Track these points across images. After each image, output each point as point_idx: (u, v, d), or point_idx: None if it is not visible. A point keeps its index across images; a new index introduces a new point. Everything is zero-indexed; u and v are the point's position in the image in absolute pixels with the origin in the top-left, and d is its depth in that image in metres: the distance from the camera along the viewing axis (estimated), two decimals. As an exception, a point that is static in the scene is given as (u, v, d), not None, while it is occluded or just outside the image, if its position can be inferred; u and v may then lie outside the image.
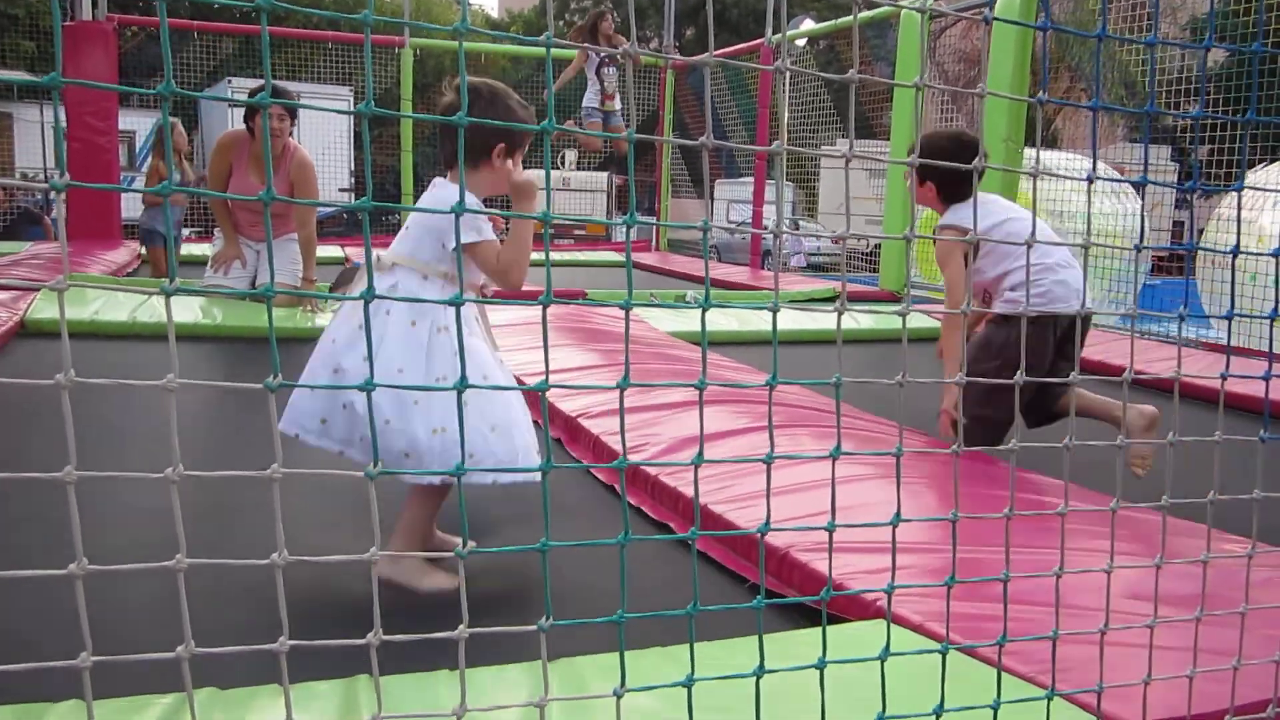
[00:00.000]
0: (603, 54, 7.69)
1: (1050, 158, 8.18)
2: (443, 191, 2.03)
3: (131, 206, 11.26)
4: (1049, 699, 1.24)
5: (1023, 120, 6.10)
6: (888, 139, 7.26)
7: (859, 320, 5.42)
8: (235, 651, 0.99)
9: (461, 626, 1.03)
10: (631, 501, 2.51)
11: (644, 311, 5.65)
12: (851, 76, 1.15)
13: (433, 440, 1.89)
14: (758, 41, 9.49)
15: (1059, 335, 2.88)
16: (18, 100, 15.91)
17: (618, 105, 8.05)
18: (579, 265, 9.08)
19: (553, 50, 1.01)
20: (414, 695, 1.39)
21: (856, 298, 6.84)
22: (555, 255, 9.48)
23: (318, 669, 1.42)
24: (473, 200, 1.98)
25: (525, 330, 4.21)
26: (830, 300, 6.70)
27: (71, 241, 8.23)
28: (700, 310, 1.09)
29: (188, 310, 4.69)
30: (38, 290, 4.77)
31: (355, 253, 8.48)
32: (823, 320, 5.41)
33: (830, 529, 1.13)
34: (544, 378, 1.04)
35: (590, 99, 8.11)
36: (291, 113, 5.24)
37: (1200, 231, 7.81)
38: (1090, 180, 1.17)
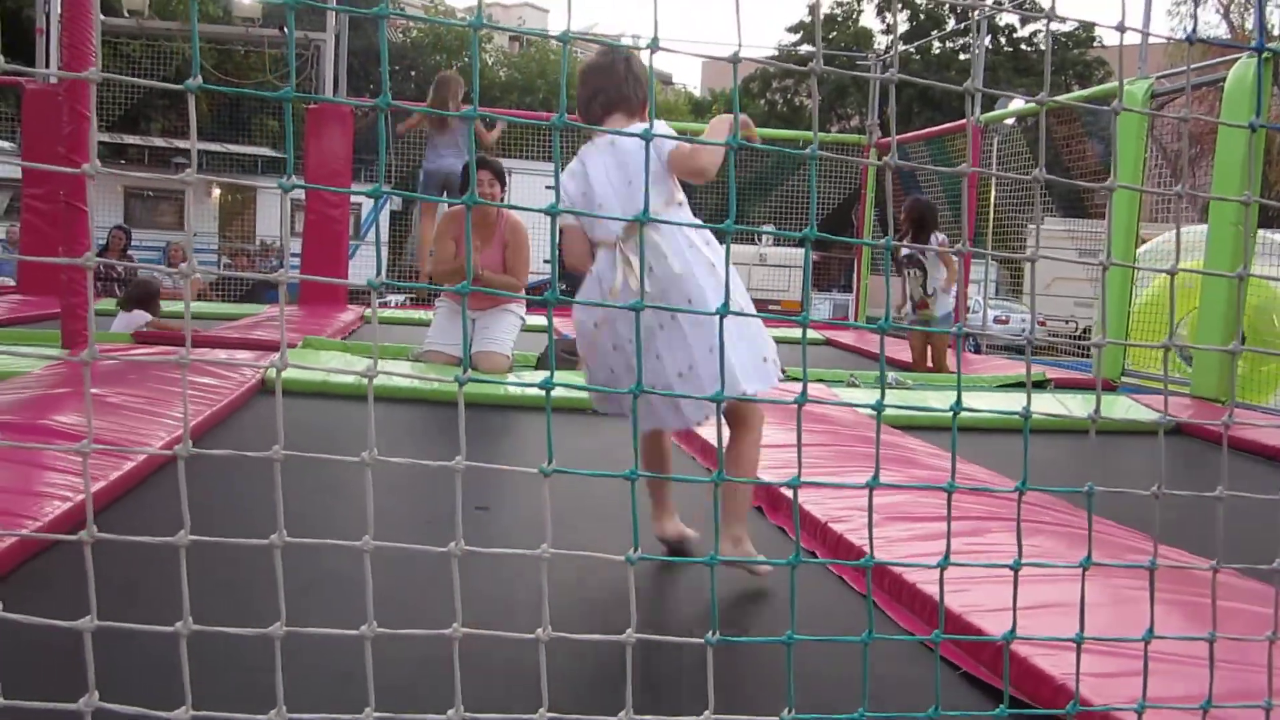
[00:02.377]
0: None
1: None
2: (624, 140, 2.33)
3: (356, 273, 12.07)
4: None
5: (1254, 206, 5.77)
6: (1101, 217, 6.99)
7: (1069, 408, 5.20)
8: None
9: (708, 712, 1.07)
10: (850, 583, 2.50)
11: (843, 392, 5.62)
12: (962, 169, 1.15)
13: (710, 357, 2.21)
14: (962, 121, 9.37)
15: None
16: (260, 174, 17.43)
17: (939, 309, 6.88)
18: (779, 341, 9.08)
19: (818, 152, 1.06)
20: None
21: (1066, 385, 6.56)
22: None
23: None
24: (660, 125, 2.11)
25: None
26: (1041, 385, 6.45)
27: (305, 304, 8.91)
28: (911, 393, 1.11)
29: (409, 376, 4.98)
30: (263, 367, 5.18)
31: (561, 324, 8.78)
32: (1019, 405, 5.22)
33: (1079, 641, 1.11)
34: (796, 473, 1.08)
35: None
36: (501, 180, 5.52)
37: None
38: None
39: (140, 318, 6.81)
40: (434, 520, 2.72)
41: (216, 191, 18.72)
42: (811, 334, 8.39)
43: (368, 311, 9.00)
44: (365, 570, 1.01)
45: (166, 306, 8.67)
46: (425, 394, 4.86)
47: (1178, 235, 1.17)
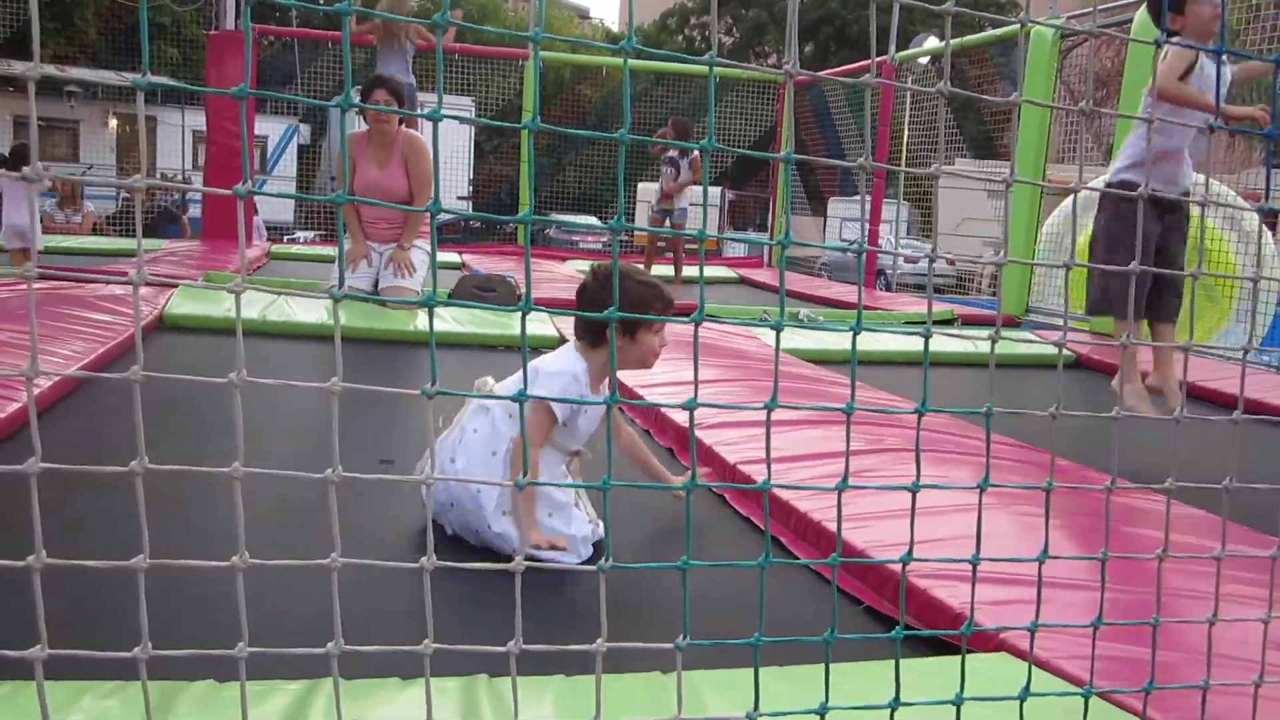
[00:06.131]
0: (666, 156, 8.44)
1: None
2: (564, 357, 2.23)
3: (261, 209, 11.71)
4: (1195, 751, 1.20)
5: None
6: (1008, 159, 7.08)
7: (977, 345, 5.30)
8: (380, 651, 1.02)
9: (600, 640, 1.04)
10: (739, 510, 2.51)
11: (758, 330, 5.63)
12: (868, 80, 1.13)
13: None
14: (880, 59, 9.38)
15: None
16: (160, 104, 16.71)
17: (677, 204, 8.44)
18: (690, 281, 9.06)
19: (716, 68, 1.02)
20: (530, 701, 1.41)
21: (973, 321, 6.69)
22: (661, 269, 9.51)
23: (446, 667, 1.44)
24: (582, 370, 2.17)
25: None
26: (948, 322, 6.56)
27: (209, 239, 8.62)
28: (814, 329, 1.09)
29: (312, 311, 4.83)
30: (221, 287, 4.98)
31: (472, 259, 8.65)
32: (937, 343, 5.31)
33: (975, 562, 1.11)
34: (693, 394, 1.05)
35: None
36: (400, 100, 5.36)
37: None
38: (1262, 212, 1.12)
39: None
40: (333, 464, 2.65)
41: (113, 122, 17.92)
42: (726, 272, 8.41)
43: (275, 247, 8.75)
44: (236, 498, 0.95)
45: (57, 242, 8.29)
46: (330, 331, 4.74)
47: (1080, 164, 1.16)
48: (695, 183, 8.45)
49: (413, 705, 1.36)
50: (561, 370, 2.17)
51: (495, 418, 2.19)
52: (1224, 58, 3.16)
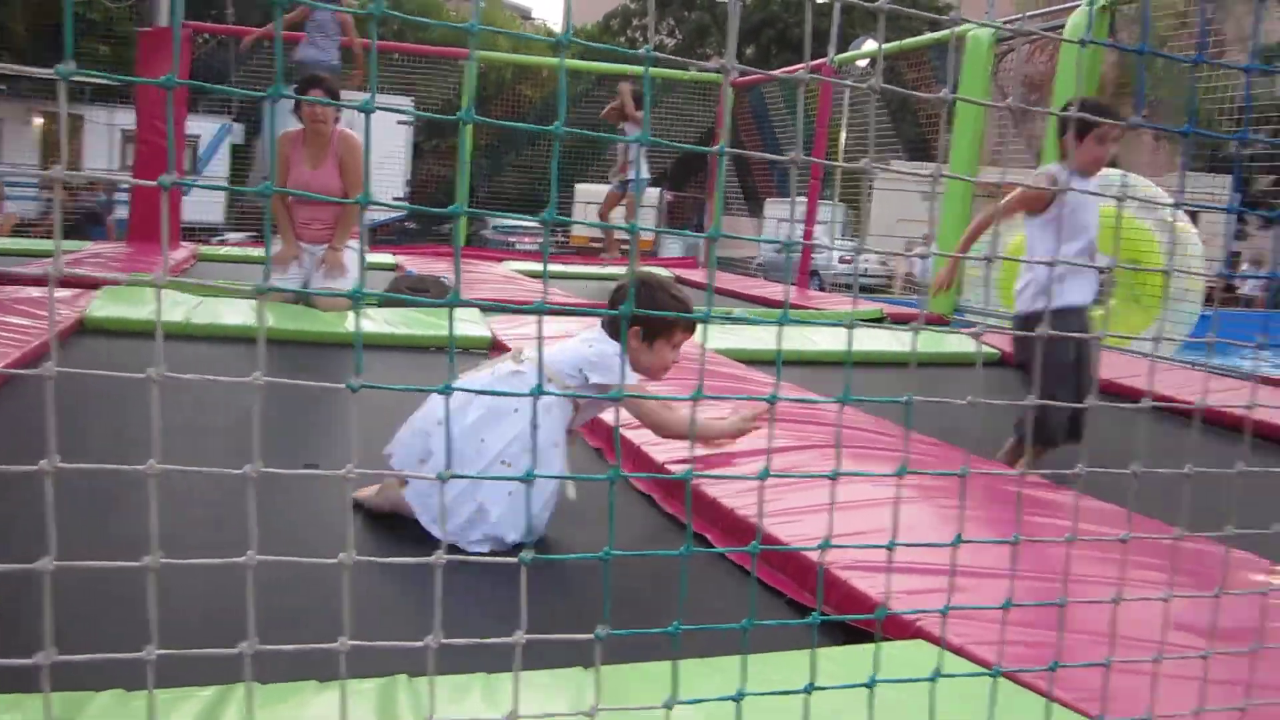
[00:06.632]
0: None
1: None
2: (601, 344, 2.36)
3: (191, 209, 11.50)
4: (1099, 729, 1.24)
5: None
6: (945, 160, 7.21)
7: (905, 345, 5.39)
8: (292, 649, 1.02)
9: (519, 633, 1.05)
10: (666, 509, 2.54)
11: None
12: (802, 75, 1.16)
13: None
14: (819, 61, 9.49)
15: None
16: (88, 103, 16.33)
17: (631, 174, 8.81)
18: (597, 278, 9.05)
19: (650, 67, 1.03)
20: (449, 699, 1.41)
21: (901, 320, 6.80)
22: (602, 270, 9.50)
23: (361, 668, 1.44)
24: (612, 351, 2.33)
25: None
26: (878, 321, 6.66)
27: (134, 241, 8.44)
28: (745, 328, 1.11)
29: (239, 313, 4.75)
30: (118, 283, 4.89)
31: (405, 260, 8.57)
32: (866, 342, 5.40)
33: (890, 547, 1.14)
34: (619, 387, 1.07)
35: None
36: (335, 98, 5.28)
37: None
38: (1177, 207, 1.17)
39: None
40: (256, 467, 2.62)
41: (38, 120, 17.47)
42: (661, 272, 8.38)
43: (204, 249, 8.60)
44: (151, 496, 0.95)
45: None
46: (265, 336, 4.67)
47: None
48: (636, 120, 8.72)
49: (330, 707, 1.36)
50: (610, 353, 2.33)
51: (528, 381, 2.25)
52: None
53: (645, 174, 8.69)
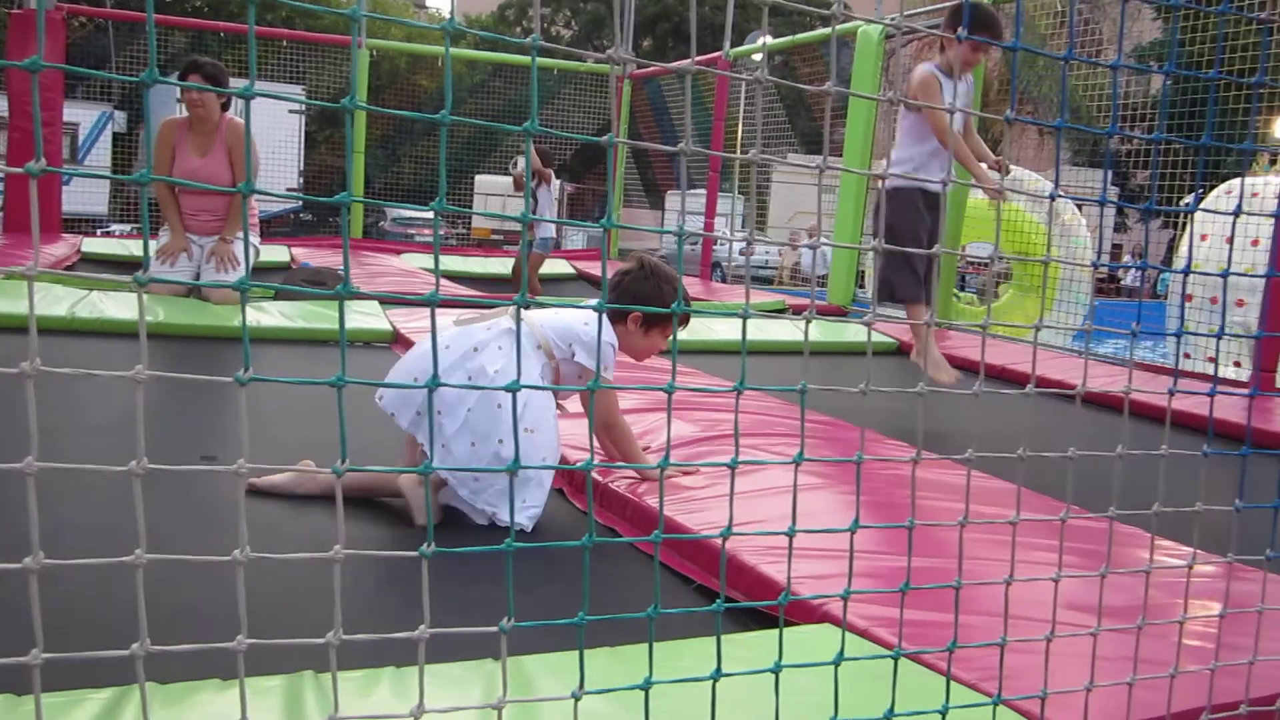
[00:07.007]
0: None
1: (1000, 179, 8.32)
2: (596, 327, 2.34)
3: (72, 200, 11.04)
4: (995, 705, 1.27)
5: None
6: (841, 154, 7.34)
7: (814, 333, 5.44)
8: (192, 649, 0.98)
9: (423, 626, 1.03)
10: (577, 505, 2.53)
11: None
12: (687, 65, 1.17)
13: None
14: (715, 55, 9.55)
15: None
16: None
17: (539, 234, 8.60)
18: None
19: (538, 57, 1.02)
20: (357, 694, 1.38)
21: (802, 311, 6.90)
22: (502, 262, 9.44)
23: (264, 664, 1.40)
24: (606, 339, 2.39)
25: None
26: (779, 312, 6.76)
27: (10, 234, 8.05)
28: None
29: (128, 307, 4.58)
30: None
31: (302, 254, 8.37)
32: (770, 332, 5.47)
33: (791, 534, 1.15)
34: (517, 379, 1.05)
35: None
36: (218, 84, 5.06)
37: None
38: (1052, 198, 1.20)
39: None
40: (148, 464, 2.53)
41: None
42: (564, 267, 8.41)
43: (87, 246, 8.24)
44: (30, 496, 0.90)
45: None
46: (147, 327, 4.51)
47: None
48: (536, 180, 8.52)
49: (232, 705, 1.31)
50: (610, 340, 2.42)
51: (525, 348, 2.28)
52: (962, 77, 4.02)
53: (549, 232, 8.54)
